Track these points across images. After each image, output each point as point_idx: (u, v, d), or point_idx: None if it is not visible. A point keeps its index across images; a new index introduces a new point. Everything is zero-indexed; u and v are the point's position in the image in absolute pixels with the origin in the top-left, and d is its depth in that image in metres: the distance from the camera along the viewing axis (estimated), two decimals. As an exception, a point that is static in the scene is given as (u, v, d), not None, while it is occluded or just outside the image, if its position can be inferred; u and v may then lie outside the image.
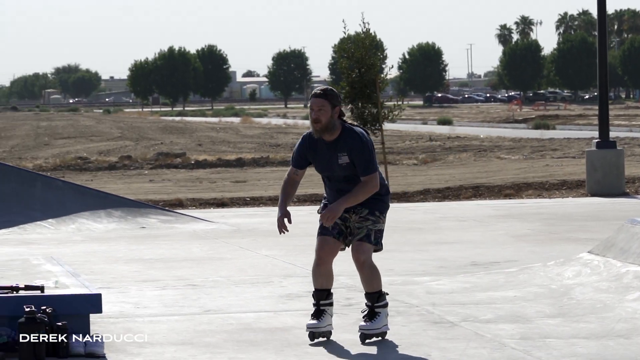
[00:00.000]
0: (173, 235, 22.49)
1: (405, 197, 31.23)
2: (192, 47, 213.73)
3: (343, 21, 35.38)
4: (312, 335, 11.52)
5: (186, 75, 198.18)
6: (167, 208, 27.20)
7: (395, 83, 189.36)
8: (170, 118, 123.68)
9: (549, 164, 44.97)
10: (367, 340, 11.33)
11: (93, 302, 11.99)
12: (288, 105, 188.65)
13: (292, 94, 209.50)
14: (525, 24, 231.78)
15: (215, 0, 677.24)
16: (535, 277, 15.00)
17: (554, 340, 11.74)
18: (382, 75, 34.62)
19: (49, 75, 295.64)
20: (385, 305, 11.41)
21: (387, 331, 11.50)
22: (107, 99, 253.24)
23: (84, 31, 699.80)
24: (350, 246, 11.46)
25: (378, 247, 11.34)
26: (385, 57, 34.70)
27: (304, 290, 15.10)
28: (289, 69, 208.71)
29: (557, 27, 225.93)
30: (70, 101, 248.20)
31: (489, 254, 18.42)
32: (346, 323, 12.57)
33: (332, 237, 11.28)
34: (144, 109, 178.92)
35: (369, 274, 11.23)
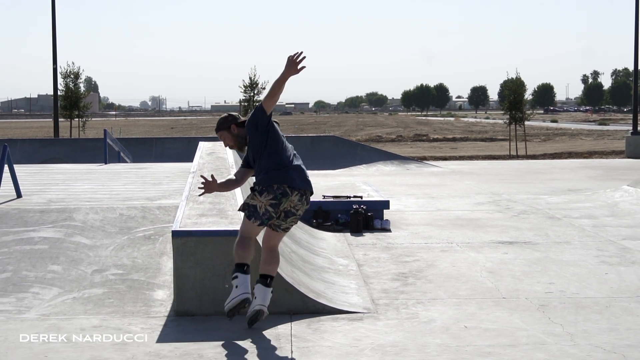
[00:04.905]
0: (422, 173, 22.33)
1: (534, 157, 30.42)
2: (432, 83, 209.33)
3: (507, 72, 36.12)
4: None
5: (429, 98, 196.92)
6: (419, 160, 27.05)
7: (530, 102, 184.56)
8: (420, 118, 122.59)
9: (606, 142, 42.88)
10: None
11: (385, 204, 12.04)
12: (477, 112, 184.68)
13: (480, 106, 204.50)
14: (596, 74, 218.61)
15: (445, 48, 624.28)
16: (600, 197, 14.39)
17: (610, 228, 11.32)
18: (525, 98, 34.65)
19: (363, 97, 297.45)
20: (234, 278, 6.39)
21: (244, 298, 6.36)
22: (390, 108, 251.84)
23: (385, 72, 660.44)
24: None
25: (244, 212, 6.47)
26: (525, 90, 34.50)
27: (486, 200, 14.86)
28: (478, 94, 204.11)
29: (612, 75, 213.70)
30: (373, 109, 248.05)
31: (577, 185, 17.72)
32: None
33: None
34: (407, 114, 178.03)
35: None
